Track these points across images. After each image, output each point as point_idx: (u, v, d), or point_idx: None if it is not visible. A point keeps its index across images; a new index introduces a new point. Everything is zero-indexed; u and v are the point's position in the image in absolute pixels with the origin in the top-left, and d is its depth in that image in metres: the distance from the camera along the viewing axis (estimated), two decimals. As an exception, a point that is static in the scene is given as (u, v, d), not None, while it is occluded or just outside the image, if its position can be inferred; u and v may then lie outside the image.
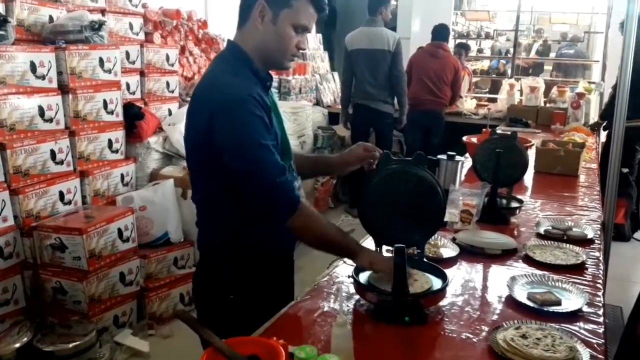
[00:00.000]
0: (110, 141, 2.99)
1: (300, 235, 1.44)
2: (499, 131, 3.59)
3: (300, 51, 1.49)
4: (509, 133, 2.37)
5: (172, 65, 3.52)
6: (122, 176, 3.08)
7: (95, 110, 2.88)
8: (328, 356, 1.09)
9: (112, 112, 2.98)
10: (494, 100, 6.40)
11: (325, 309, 1.46)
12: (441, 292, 1.42)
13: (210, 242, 1.56)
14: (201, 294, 1.61)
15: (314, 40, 6.24)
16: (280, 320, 1.40)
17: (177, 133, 3.32)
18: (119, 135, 3.05)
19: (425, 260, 1.57)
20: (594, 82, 5.56)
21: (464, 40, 7.42)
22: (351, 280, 1.56)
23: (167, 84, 3.50)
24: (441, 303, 1.46)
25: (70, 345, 2.32)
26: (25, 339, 2.33)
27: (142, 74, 3.33)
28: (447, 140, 5.23)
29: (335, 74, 6.44)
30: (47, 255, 2.60)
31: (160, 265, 3.01)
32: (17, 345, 2.29)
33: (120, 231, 2.74)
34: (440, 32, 5.13)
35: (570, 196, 2.64)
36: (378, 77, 4.57)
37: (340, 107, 5.06)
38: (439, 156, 2.48)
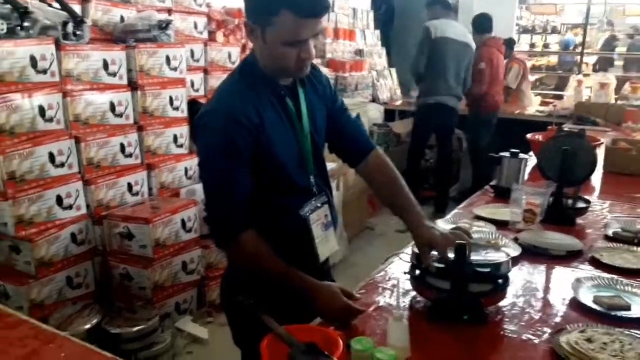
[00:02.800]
0: (175, 136, 3.10)
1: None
2: (565, 129, 3.49)
3: (308, 60, 1.32)
4: (577, 130, 2.27)
5: (234, 63, 3.60)
6: (186, 170, 3.19)
7: (162, 106, 3.00)
8: (384, 349, 1.10)
9: (177, 108, 3.09)
10: (559, 97, 6.15)
11: (381, 303, 1.46)
12: (502, 292, 1.39)
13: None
14: (229, 299, 1.51)
15: (371, 37, 6.22)
16: (336, 313, 1.41)
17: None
18: (183, 130, 3.16)
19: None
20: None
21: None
22: (408, 276, 1.56)
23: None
24: (501, 303, 1.43)
25: (135, 329, 2.44)
26: (95, 320, 2.47)
27: (205, 71, 3.43)
28: (510, 138, 5.10)
29: (393, 70, 6.39)
30: (116, 243, 2.73)
31: (220, 255, 3.09)
32: (88, 326, 2.42)
33: (183, 222, 2.84)
34: (483, 23, 4.82)
35: (641, 197, 2.51)
36: (460, 72, 4.44)
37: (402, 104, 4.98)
38: (501, 154, 2.42)
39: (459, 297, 1.31)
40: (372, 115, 5.12)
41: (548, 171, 2.21)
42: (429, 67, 4.42)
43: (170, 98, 3.03)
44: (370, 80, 5.71)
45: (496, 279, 1.37)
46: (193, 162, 3.26)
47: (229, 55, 3.57)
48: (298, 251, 1.42)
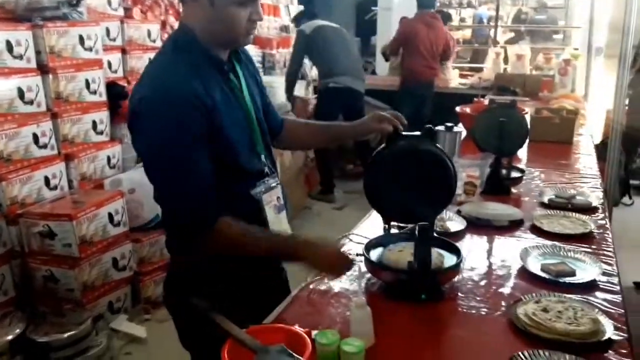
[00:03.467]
0: (94, 122, 2.87)
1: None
2: (486, 100, 3.59)
3: (256, 23, 1.24)
4: (509, 102, 2.32)
5: (154, 41, 3.38)
6: (109, 158, 2.98)
7: (78, 90, 2.75)
8: (351, 340, 1.06)
9: (95, 92, 2.85)
10: (477, 70, 6.35)
11: (337, 289, 1.41)
12: (457, 268, 1.39)
13: (179, 246, 1.36)
14: (174, 302, 1.42)
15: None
16: (292, 304, 1.35)
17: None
18: (103, 116, 2.93)
19: (436, 235, 1.54)
20: (577, 49, 5.53)
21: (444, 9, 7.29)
22: (361, 258, 1.52)
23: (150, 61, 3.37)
24: (455, 278, 1.43)
25: (65, 335, 2.25)
26: (18, 330, 2.26)
27: (123, 51, 3.19)
28: (434, 111, 5.20)
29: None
30: (36, 243, 2.50)
31: (153, 249, 2.93)
32: (10, 337, 2.22)
33: (110, 215, 2.65)
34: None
35: (567, 164, 2.63)
36: (352, 52, 4.42)
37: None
38: (436, 128, 2.43)
39: (416, 276, 1.29)
40: (302, 93, 5.03)
41: (483, 143, 2.25)
42: (318, 56, 4.39)
43: (87, 81, 2.80)
44: (298, 57, 5.59)
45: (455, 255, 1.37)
46: (116, 150, 3.05)
47: (149, 33, 3.34)
48: None
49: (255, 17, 1.22)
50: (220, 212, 1.23)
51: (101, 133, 2.94)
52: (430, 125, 1.57)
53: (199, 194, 1.20)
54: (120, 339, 2.57)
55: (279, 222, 1.41)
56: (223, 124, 1.22)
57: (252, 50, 4.60)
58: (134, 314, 2.79)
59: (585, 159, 2.70)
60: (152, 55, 3.33)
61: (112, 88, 3.01)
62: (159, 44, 3.43)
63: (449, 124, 2.42)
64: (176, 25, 3.76)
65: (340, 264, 1.30)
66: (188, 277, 1.36)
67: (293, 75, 4.57)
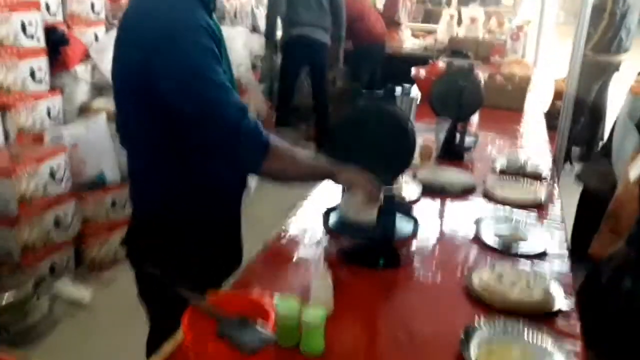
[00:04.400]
0: (32, 70, 2.65)
1: (276, 179, 1.29)
2: (440, 63, 3.59)
3: None
4: (466, 66, 2.32)
5: (97, -17, 3.13)
6: (49, 110, 2.78)
7: (12, 33, 2.51)
8: (312, 309, 1.04)
9: (32, 37, 2.63)
10: (430, 31, 6.33)
11: (296, 256, 1.40)
12: (414, 234, 1.39)
13: (145, 199, 1.36)
14: (135, 255, 1.42)
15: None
16: (250, 270, 1.33)
17: (107, 61, 3.00)
18: (41, 63, 2.71)
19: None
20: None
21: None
22: (318, 224, 1.50)
23: (92, 5, 3.12)
24: (412, 245, 1.44)
25: (4, 299, 2.14)
26: (-50, 294, 2.13)
27: (63, -8, 2.95)
28: (388, 72, 5.17)
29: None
30: (-31, 201, 2.34)
31: (98, 208, 2.81)
32: (-58, 301, 2.09)
33: (52, 172, 2.50)
34: None
35: (518, 130, 2.69)
36: (323, 2, 4.24)
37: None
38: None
39: (375, 241, 1.28)
40: (253, 47, 4.86)
41: (439, 107, 2.25)
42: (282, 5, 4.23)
43: (23, 23, 2.56)
44: (250, 8, 5.37)
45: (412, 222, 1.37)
46: (56, 101, 2.86)
47: (91, -25, 3.09)
48: (227, 192, 1.37)
49: None
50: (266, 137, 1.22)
51: (40, 82, 2.73)
52: (391, 85, 1.54)
53: (246, 116, 1.18)
54: (64, 303, 2.47)
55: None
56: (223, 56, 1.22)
57: None
58: (78, 276, 2.69)
59: (535, 127, 2.77)
60: (94, -1, 3.15)
61: (52, 33, 2.78)
62: (102, -14, 3.19)
63: (406, 86, 2.40)
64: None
65: (369, 184, 1.29)
66: (151, 231, 1.35)
67: (272, 17, 4.38)
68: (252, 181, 1.47)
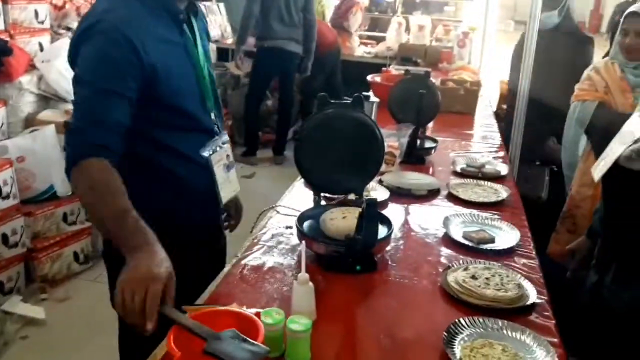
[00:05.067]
0: (-28, 81, 2.52)
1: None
2: (393, 70, 3.67)
3: None
4: (423, 73, 2.38)
5: (41, -12, 3.00)
6: (-8, 122, 2.65)
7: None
8: (296, 318, 1.03)
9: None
10: (377, 39, 6.44)
11: (271, 264, 1.38)
12: (389, 238, 1.41)
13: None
14: (112, 255, 1.31)
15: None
16: (225, 282, 1.30)
17: (54, 71, 2.89)
18: (-18, 74, 2.58)
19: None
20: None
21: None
22: (290, 231, 1.50)
23: (36, 12, 3.00)
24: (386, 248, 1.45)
25: (-49, 322, 2.01)
26: None
27: (4, 0, 2.80)
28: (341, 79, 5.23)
29: (222, 5, 6.03)
30: None
31: (48, 223, 2.68)
32: None
33: (-3, 187, 2.37)
34: None
35: (471, 133, 2.78)
36: (292, 14, 4.31)
37: (234, 43, 4.72)
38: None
39: (366, 249, 1.29)
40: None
41: (398, 113, 2.30)
42: (261, 10, 4.27)
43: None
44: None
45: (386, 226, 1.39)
46: (0, 113, 2.71)
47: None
48: (197, 196, 1.33)
49: None
50: (107, 155, 1.11)
51: (-19, 91, 2.59)
52: (360, 94, 1.57)
53: (91, 125, 1.13)
54: (15, 322, 2.34)
55: (228, 181, 1.39)
56: (170, 72, 1.20)
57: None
58: (29, 294, 2.56)
59: (487, 128, 2.87)
60: (38, 6, 3.01)
61: (-7, 43, 2.65)
62: (46, -7, 3.07)
63: (366, 94, 2.43)
64: (64, -26, 3.39)
65: (130, 296, 0.92)
66: None
67: (243, 30, 4.37)
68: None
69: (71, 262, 2.76)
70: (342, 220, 1.36)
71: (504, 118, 3.52)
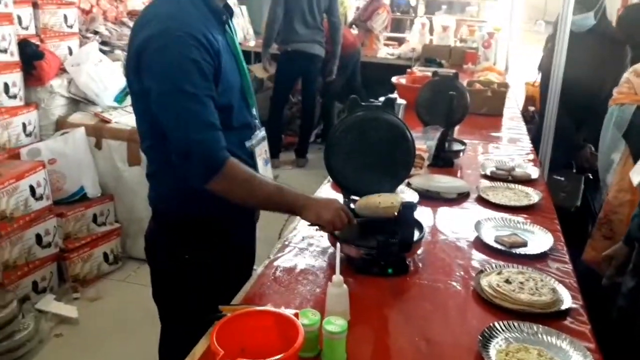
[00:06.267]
0: (6, 85, 2.58)
1: (226, 198, 1.26)
2: (417, 71, 3.65)
3: None
4: (451, 74, 2.36)
5: (68, -7, 3.07)
6: (24, 125, 2.71)
7: (-14, 49, 2.46)
8: (333, 319, 1.04)
9: (5, 51, 2.56)
10: (399, 40, 6.42)
11: (303, 266, 1.39)
12: (420, 241, 1.40)
13: (163, 196, 1.39)
14: (154, 252, 1.46)
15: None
16: (259, 283, 1.31)
17: (84, 74, 2.95)
18: (16, 77, 2.64)
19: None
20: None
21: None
22: (321, 233, 1.50)
23: (65, 17, 3.06)
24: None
25: (-12, 320, 2.06)
26: None
27: (35, 5, 2.86)
28: (363, 81, 5.22)
29: (244, 8, 6.08)
30: (-55, 221, 2.25)
31: (79, 224, 2.74)
32: None
33: (32, 188, 2.43)
34: None
35: (499, 136, 2.75)
36: (316, 16, 4.33)
37: (256, 45, 4.76)
38: (380, 99, 2.43)
39: (399, 251, 1.30)
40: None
41: (426, 115, 2.29)
42: (285, 14, 4.30)
43: (-4, 39, 2.50)
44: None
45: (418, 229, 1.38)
46: (31, 116, 2.79)
47: (64, -14, 3.02)
48: None
49: None
50: (226, 152, 1.23)
51: (14, 97, 2.66)
52: (390, 96, 1.57)
53: (212, 131, 1.20)
54: (49, 320, 2.39)
55: (267, 174, 1.43)
56: (224, 70, 1.24)
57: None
58: (61, 293, 2.61)
59: (516, 131, 2.84)
60: (67, 10, 3.08)
61: (25, 47, 2.71)
62: (74, -3, 3.13)
63: (392, 96, 2.43)
64: (92, -22, 3.46)
65: (340, 217, 1.30)
66: (168, 231, 1.39)
67: (269, 33, 4.40)
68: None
69: (101, 262, 2.81)
70: (371, 197, 1.40)
71: (530, 120, 3.48)
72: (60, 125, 2.94)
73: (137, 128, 1.36)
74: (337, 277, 1.13)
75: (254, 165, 1.38)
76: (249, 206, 1.37)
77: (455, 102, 2.15)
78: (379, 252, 1.30)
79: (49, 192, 2.56)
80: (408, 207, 1.22)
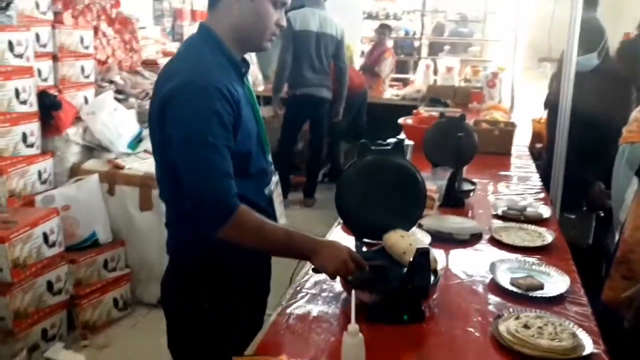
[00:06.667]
0: (24, 135, 2.64)
1: (237, 245, 1.28)
2: (423, 111, 3.69)
3: (279, 29, 1.36)
4: (458, 115, 2.39)
5: (87, 47, 3.16)
6: (40, 173, 2.75)
7: (7, 100, 2.52)
8: (350, 370, 1.02)
9: (25, 102, 2.63)
10: (403, 81, 6.53)
11: (316, 313, 1.38)
12: (435, 286, 1.39)
13: (180, 245, 1.41)
14: (171, 302, 1.46)
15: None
16: (272, 331, 1.30)
17: (99, 122, 3.02)
18: (34, 127, 2.71)
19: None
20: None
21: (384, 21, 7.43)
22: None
23: (82, 68, 3.15)
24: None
25: (-1, 370, 2.05)
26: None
27: (54, 58, 2.96)
28: (368, 122, 5.28)
29: (253, 54, 6.21)
30: (-40, 270, 2.26)
31: (90, 270, 2.74)
32: None
33: (45, 235, 2.45)
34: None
35: (509, 175, 2.75)
36: (323, 61, 4.43)
37: (265, 90, 4.85)
38: (388, 140, 2.46)
39: (415, 297, 1.29)
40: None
41: (433, 156, 2.30)
42: (293, 59, 4.39)
43: (17, 90, 2.57)
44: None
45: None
46: (47, 164, 2.83)
47: (81, 39, 3.12)
48: None
49: (281, 23, 1.33)
50: (237, 200, 1.25)
51: (32, 146, 2.71)
52: (399, 138, 1.59)
53: (222, 178, 1.23)
54: (58, 370, 2.37)
55: (282, 215, 1.48)
56: (243, 120, 1.28)
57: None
58: (71, 341, 2.59)
59: (525, 169, 2.85)
60: (84, 62, 3.17)
61: (44, 98, 2.79)
62: (91, 50, 3.24)
63: (400, 137, 2.46)
64: (109, 31, 3.59)
65: (346, 268, 1.30)
66: (185, 278, 1.40)
67: (279, 80, 4.48)
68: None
69: (111, 308, 2.80)
70: (400, 238, 1.42)
71: (538, 156, 3.48)
72: (75, 172, 2.98)
73: (156, 177, 1.38)
74: (353, 326, 1.11)
75: (272, 211, 1.41)
76: (260, 252, 1.39)
77: (463, 142, 2.17)
78: (395, 298, 1.28)
79: (62, 238, 2.58)
80: (423, 253, 1.21)
